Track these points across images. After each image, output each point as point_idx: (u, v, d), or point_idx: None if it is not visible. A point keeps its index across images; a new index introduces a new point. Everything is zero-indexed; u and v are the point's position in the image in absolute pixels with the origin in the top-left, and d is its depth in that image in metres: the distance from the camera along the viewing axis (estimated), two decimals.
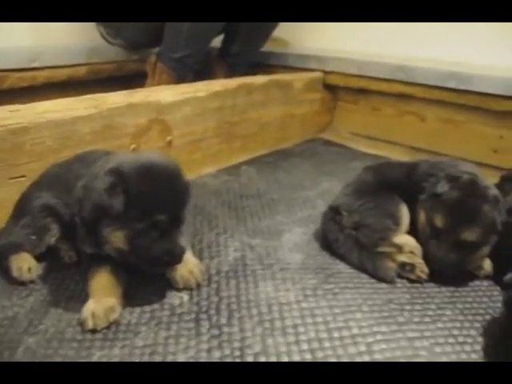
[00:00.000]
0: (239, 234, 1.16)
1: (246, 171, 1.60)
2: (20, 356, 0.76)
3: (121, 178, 0.83)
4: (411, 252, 1.02)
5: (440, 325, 0.87)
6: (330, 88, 2.14)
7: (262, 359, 0.76)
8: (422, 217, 1.04)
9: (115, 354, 0.77)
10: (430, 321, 0.88)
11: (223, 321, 0.85)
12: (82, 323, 0.82)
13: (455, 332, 0.86)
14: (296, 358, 0.77)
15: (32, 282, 0.95)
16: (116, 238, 0.85)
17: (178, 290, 0.93)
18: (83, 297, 0.88)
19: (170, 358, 0.76)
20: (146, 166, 0.86)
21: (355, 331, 0.83)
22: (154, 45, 1.83)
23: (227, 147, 1.69)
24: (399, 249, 1.02)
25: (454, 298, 0.96)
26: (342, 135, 2.16)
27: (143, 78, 1.88)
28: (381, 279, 0.99)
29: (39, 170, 1.08)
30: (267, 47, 2.16)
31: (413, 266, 1.00)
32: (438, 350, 0.81)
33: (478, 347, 0.82)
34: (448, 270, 1.00)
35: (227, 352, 0.78)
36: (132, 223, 0.83)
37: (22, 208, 1.04)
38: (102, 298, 0.85)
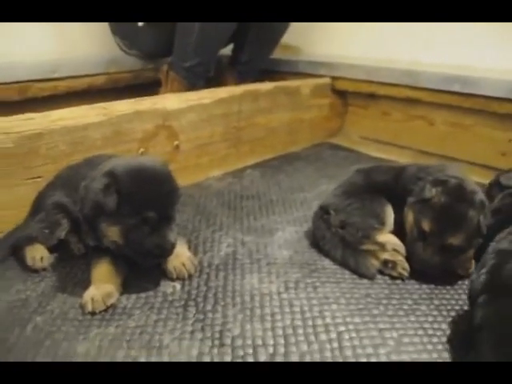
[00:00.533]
0: (234, 231, 1.25)
1: (249, 174, 1.69)
2: (29, 333, 0.86)
3: (114, 179, 0.93)
4: (394, 250, 1.07)
5: (412, 318, 0.93)
6: (340, 93, 2.20)
7: (239, 342, 0.84)
8: (409, 218, 1.09)
9: (110, 332, 0.86)
10: (404, 314, 0.94)
11: (208, 307, 0.94)
12: (82, 306, 0.92)
13: (426, 325, 0.91)
14: (270, 343, 0.84)
15: (44, 269, 1.06)
16: (112, 233, 0.95)
17: (172, 279, 1.03)
18: (87, 284, 0.97)
19: (157, 338, 0.85)
20: (136, 169, 0.97)
21: (328, 320, 0.90)
22: (168, 54, 1.93)
23: (235, 151, 1.77)
24: (382, 247, 1.08)
25: (432, 295, 1.01)
26: (353, 140, 2.22)
27: (158, 86, 1.99)
28: (362, 275, 1.05)
29: (54, 171, 1.19)
30: (277, 54, 2.25)
31: (394, 263, 1.06)
32: (405, 340, 0.86)
33: (445, 339, 0.87)
34: (432, 272, 1.05)
35: (208, 334, 0.86)
36: (125, 219, 0.93)
37: (37, 205, 1.15)
38: (102, 285, 0.94)
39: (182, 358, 0.80)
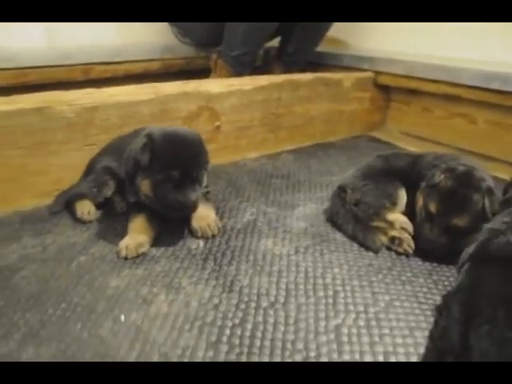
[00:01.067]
0: (259, 203, 1.38)
1: (283, 157, 1.80)
2: (73, 268, 1.03)
3: (150, 140, 1.09)
4: (402, 228, 1.15)
5: (408, 287, 1.01)
6: (383, 88, 2.25)
7: (246, 291, 0.97)
8: (419, 202, 1.16)
9: (138, 273, 1.02)
10: (400, 283, 1.02)
11: (225, 262, 1.07)
12: (117, 252, 1.08)
13: (419, 294, 0.99)
14: (273, 293, 0.96)
15: (90, 222, 1.24)
16: (144, 186, 1.11)
17: (197, 238, 1.17)
18: (125, 235, 1.13)
19: (176, 281, 0.99)
20: (169, 134, 1.12)
21: (328, 281, 1.01)
22: (218, 44, 2.08)
23: (273, 137, 1.89)
24: (391, 225, 1.16)
25: (432, 271, 1.08)
26: (393, 134, 2.26)
27: (208, 73, 2.15)
28: (368, 248, 1.14)
29: (106, 140, 1.37)
30: (323, 47, 2.34)
31: (401, 240, 1.14)
32: (396, 303, 0.95)
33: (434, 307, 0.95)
34: (438, 252, 1.11)
35: (220, 282, 0.99)
36: (154, 175, 1.08)
37: (90, 168, 1.34)
38: (135, 235, 1.10)
39: (195, 299, 0.94)
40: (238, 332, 0.85)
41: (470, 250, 0.88)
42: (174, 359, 0.78)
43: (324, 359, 0.80)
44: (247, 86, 1.71)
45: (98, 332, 0.84)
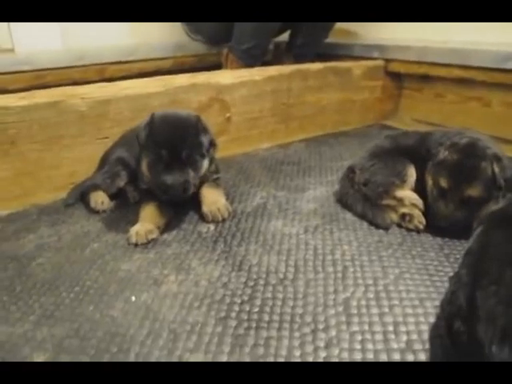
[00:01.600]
0: (269, 188, 1.39)
1: (295, 146, 1.81)
2: (87, 254, 1.06)
3: (151, 120, 1.12)
4: (412, 204, 1.14)
5: (418, 261, 1.00)
6: (394, 76, 2.23)
7: (255, 269, 0.97)
8: (429, 181, 1.15)
9: (150, 256, 1.04)
10: (410, 257, 1.02)
11: (235, 243, 1.08)
12: (127, 238, 1.10)
13: (430, 267, 0.98)
14: (282, 270, 0.97)
15: (104, 211, 1.27)
16: (143, 167, 1.14)
17: (208, 222, 1.18)
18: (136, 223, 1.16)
19: (187, 263, 1.01)
20: (168, 115, 1.15)
21: (337, 257, 1.01)
22: (229, 40, 2.10)
23: (284, 127, 1.90)
24: (400, 201, 1.15)
25: (444, 246, 1.07)
26: (406, 122, 2.24)
27: (220, 69, 2.16)
28: (377, 225, 1.14)
29: (119, 133, 1.40)
30: (333, 38, 2.33)
31: (412, 216, 1.13)
32: (406, 276, 0.95)
33: (446, 279, 0.93)
34: (455, 227, 1.09)
35: (230, 262, 1.00)
36: (149, 154, 1.11)
37: (103, 160, 1.36)
38: (146, 223, 1.12)
39: (205, 278, 0.95)
40: (247, 308, 0.86)
41: (481, 216, 0.87)
42: (183, 335, 0.80)
43: (332, 331, 0.80)
44: (257, 76, 1.72)
45: (110, 312, 0.86)
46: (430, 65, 2.02)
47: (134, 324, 0.83)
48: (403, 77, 2.25)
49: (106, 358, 0.75)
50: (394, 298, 0.87)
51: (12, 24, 1.96)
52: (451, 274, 0.94)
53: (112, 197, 1.31)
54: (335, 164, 1.60)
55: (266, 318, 0.83)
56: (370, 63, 2.15)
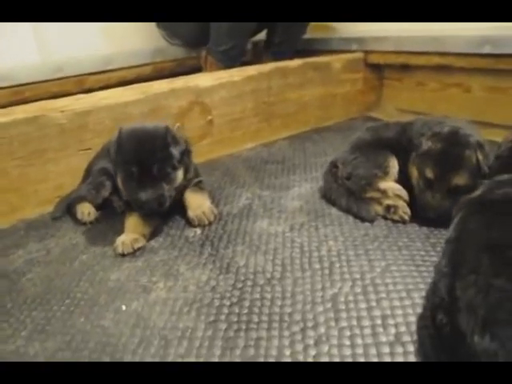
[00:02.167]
0: (254, 188, 1.39)
1: (278, 144, 1.82)
2: (76, 266, 1.06)
3: (119, 136, 1.12)
4: (396, 195, 1.15)
5: (405, 252, 1.01)
6: (374, 67, 2.24)
7: (243, 270, 0.98)
8: (414, 172, 1.15)
9: (138, 265, 1.04)
10: (396, 249, 1.02)
11: (222, 245, 1.09)
12: (114, 248, 1.10)
13: (417, 257, 0.99)
14: (269, 269, 0.97)
15: (91, 222, 1.27)
16: (118, 182, 1.15)
17: (194, 226, 1.19)
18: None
19: (175, 268, 1.01)
20: (135, 130, 1.14)
21: (323, 253, 1.02)
22: (206, 42, 2.10)
23: (267, 126, 1.90)
24: (384, 193, 1.16)
25: (430, 235, 1.08)
26: (389, 112, 2.25)
27: (200, 72, 2.17)
28: (362, 218, 1.15)
29: (101, 144, 1.39)
30: (310, 34, 2.34)
31: (396, 207, 1.14)
32: (393, 268, 0.95)
33: (432, 269, 0.94)
34: (444, 217, 1.06)
35: (218, 265, 1.01)
36: (120, 170, 1.12)
37: (88, 172, 1.36)
38: (131, 232, 1.12)
39: (193, 283, 0.96)
40: (236, 310, 0.87)
41: (459, 203, 0.87)
42: (175, 341, 0.80)
43: (321, 328, 0.80)
44: (236, 77, 1.73)
45: (101, 323, 0.87)
46: (409, 54, 2.03)
47: (125, 333, 0.83)
48: (383, 67, 2.26)
49: None
50: (381, 291, 0.88)
51: None
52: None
53: (98, 207, 1.31)
54: (319, 160, 1.61)
55: (256, 318, 0.84)
56: (350, 56, 2.16)
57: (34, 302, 0.94)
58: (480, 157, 1.06)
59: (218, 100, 1.69)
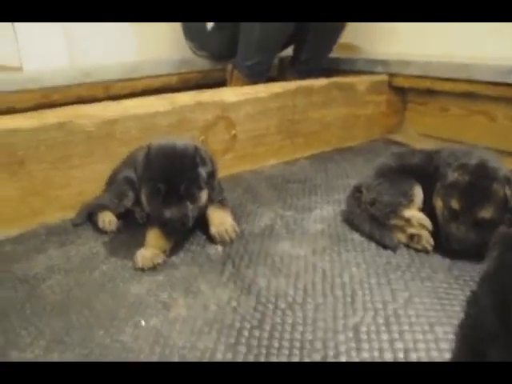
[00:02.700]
0: (276, 207, 1.39)
1: (300, 163, 1.82)
2: (96, 276, 1.06)
3: (148, 152, 1.12)
4: (420, 224, 1.14)
5: (428, 283, 1.00)
6: (398, 90, 2.24)
7: (264, 292, 0.97)
8: (439, 203, 1.14)
9: (158, 279, 1.04)
10: (419, 279, 1.01)
11: (243, 265, 1.08)
12: (134, 262, 1.10)
13: (440, 290, 0.98)
14: (291, 293, 0.97)
15: (112, 232, 1.27)
16: (143, 197, 1.14)
17: (216, 243, 1.18)
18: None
19: (195, 285, 1.01)
20: (164, 145, 1.13)
21: (346, 280, 1.01)
22: (233, 56, 2.11)
23: (290, 143, 1.90)
24: (408, 222, 1.15)
25: (453, 267, 1.06)
26: (411, 136, 2.24)
27: (224, 84, 2.18)
28: (385, 246, 1.14)
29: (126, 152, 1.40)
30: (337, 53, 2.35)
31: (419, 237, 1.13)
32: (415, 299, 0.94)
33: (456, 303, 0.93)
34: (469, 249, 1.08)
35: (239, 285, 1.00)
36: (146, 186, 1.12)
37: (111, 180, 1.37)
38: (151, 247, 1.12)
39: (214, 302, 0.95)
40: (257, 333, 0.86)
41: (494, 238, 0.86)
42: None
43: (342, 358, 0.80)
44: (262, 93, 1.74)
45: (120, 337, 0.86)
46: (434, 79, 2.03)
47: (145, 349, 0.83)
48: (407, 91, 2.26)
49: None
50: (404, 323, 0.87)
51: (20, 42, 1.98)
52: (461, 297, 0.95)
53: (119, 216, 1.31)
54: (341, 182, 1.60)
55: (276, 344, 0.83)
56: (374, 78, 2.16)
57: (53, 311, 0.94)
58: (508, 191, 1.05)
59: (242, 115, 1.70)
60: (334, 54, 2.32)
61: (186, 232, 1.21)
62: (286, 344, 0.83)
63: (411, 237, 1.14)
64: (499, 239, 0.83)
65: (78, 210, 1.36)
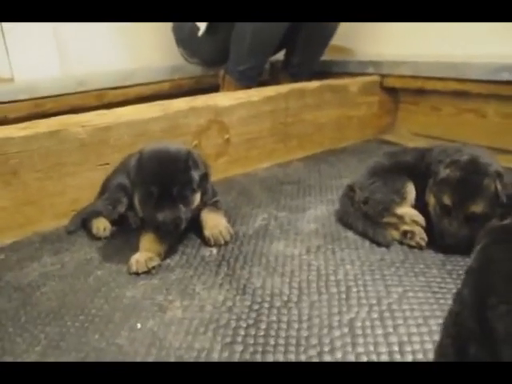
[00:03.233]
0: (270, 209, 1.40)
1: (294, 165, 1.82)
2: (91, 281, 1.06)
3: (140, 156, 1.13)
4: (413, 221, 1.15)
5: (421, 278, 1.01)
6: (390, 91, 2.26)
7: (259, 292, 0.98)
8: (431, 200, 1.15)
9: (154, 282, 1.04)
10: (413, 275, 1.02)
11: (238, 266, 1.08)
12: (128, 267, 1.10)
13: (433, 284, 0.98)
14: (286, 292, 0.97)
15: (106, 238, 1.27)
16: (136, 201, 1.15)
17: (210, 246, 1.19)
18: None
19: (191, 288, 1.01)
20: (156, 150, 1.14)
21: (340, 277, 1.01)
22: (225, 61, 2.12)
23: (283, 146, 1.91)
24: (401, 219, 1.16)
25: (446, 262, 1.07)
26: (404, 136, 2.26)
27: (217, 90, 2.19)
28: (379, 243, 1.14)
29: (119, 159, 1.41)
30: (328, 56, 2.36)
31: (413, 233, 1.13)
32: (410, 294, 0.95)
33: (449, 296, 0.94)
34: (461, 244, 1.07)
35: (234, 286, 1.01)
36: (139, 190, 1.12)
37: (104, 187, 1.38)
38: (145, 251, 1.12)
39: (209, 303, 0.95)
40: (252, 332, 0.86)
41: (481, 233, 0.87)
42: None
43: (338, 353, 0.80)
44: (254, 97, 1.75)
45: (116, 341, 0.86)
46: (425, 79, 2.05)
47: (141, 352, 0.83)
48: (399, 91, 2.28)
49: None
50: (399, 318, 0.88)
51: (11, 53, 1.99)
52: (454, 290, 0.93)
53: (113, 222, 1.31)
54: (334, 182, 1.61)
55: (272, 341, 0.83)
56: (366, 79, 2.17)
57: (48, 317, 0.94)
58: (499, 186, 1.06)
59: (235, 119, 1.71)
60: (325, 57, 2.34)
61: (181, 235, 1.21)
62: (281, 341, 0.83)
63: (405, 234, 1.15)
64: (486, 232, 0.84)
65: (71, 218, 1.36)
